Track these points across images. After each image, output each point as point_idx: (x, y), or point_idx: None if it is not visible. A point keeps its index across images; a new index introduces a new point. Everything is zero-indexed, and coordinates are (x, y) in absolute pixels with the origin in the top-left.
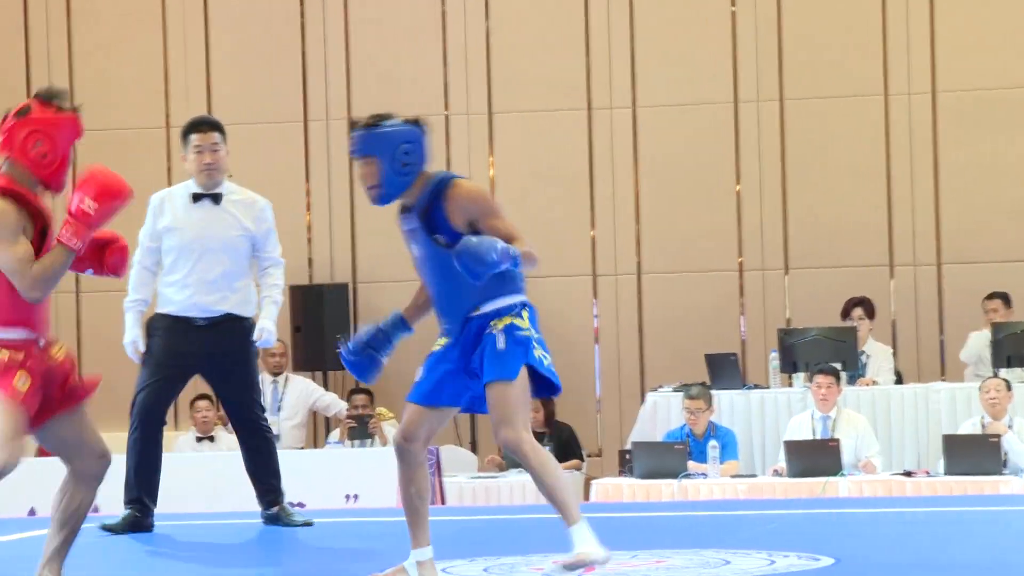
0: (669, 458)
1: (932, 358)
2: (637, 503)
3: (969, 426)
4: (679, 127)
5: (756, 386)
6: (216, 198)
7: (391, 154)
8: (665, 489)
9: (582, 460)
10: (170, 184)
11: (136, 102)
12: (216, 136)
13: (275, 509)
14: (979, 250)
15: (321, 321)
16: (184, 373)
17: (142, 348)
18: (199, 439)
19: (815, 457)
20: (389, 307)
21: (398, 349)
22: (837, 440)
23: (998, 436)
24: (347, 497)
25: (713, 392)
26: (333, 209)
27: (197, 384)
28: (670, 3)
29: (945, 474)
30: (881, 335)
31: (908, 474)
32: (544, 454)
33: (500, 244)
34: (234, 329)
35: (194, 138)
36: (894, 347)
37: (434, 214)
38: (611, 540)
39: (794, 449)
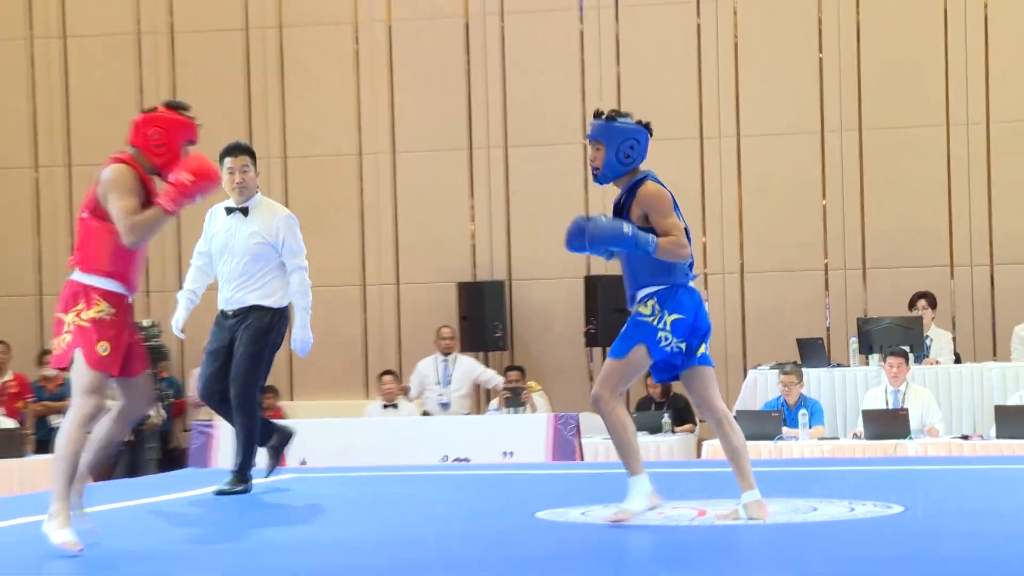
0: (767, 424)
1: (985, 342)
2: None
3: (1017, 398)
4: (775, 152)
5: (839, 365)
6: (245, 211)
7: (617, 145)
8: (763, 449)
9: (695, 424)
10: (362, 199)
11: (336, 135)
12: (246, 159)
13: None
14: None
15: (483, 311)
16: (229, 356)
17: (181, 326)
18: (384, 406)
19: (888, 423)
20: (536, 299)
21: (543, 334)
22: (906, 409)
23: None
24: (504, 454)
25: (803, 369)
26: (492, 219)
27: (384, 359)
28: (768, 50)
29: (997, 438)
30: (943, 323)
31: (965, 438)
32: (615, 416)
33: (628, 229)
34: (251, 315)
35: (227, 161)
36: (954, 333)
37: (625, 204)
38: (718, 491)
39: (870, 417)
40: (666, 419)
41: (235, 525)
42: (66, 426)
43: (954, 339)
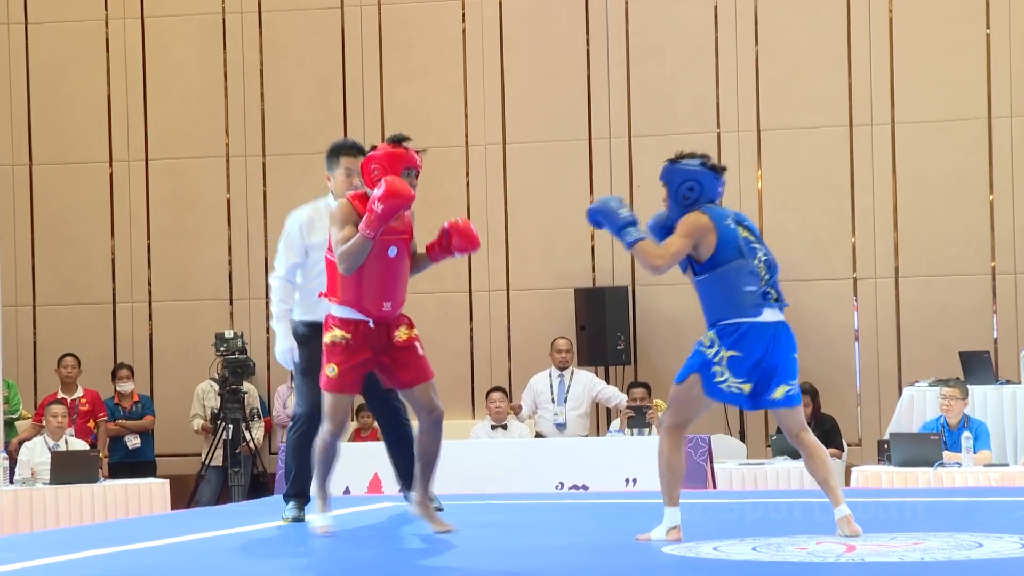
0: (925, 447)
1: None
2: (895, 489)
3: None
4: (935, 142)
5: (1008, 382)
6: None
7: (676, 187)
8: (921, 476)
9: (842, 449)
10: (469, 193)
11: (440, 124)
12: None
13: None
14: None
15: (604, 321)
16: None
17: (297, 357)
18: (493, 427)
19: None
20: (664, 307)
21: (670, 347)
22: None
23: None
24: (627, 481)
25: (968, 386)
26: None
27: (493, 376)
28: (928, 26)
29: None
30: None
31: None
32: (661, 445)
33: (623, 214)
34: None
35: (346, 161)
36: None
37: None
38: (870, 523)
39: None
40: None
41: (335, 557)
42: (316, 442)
43: None
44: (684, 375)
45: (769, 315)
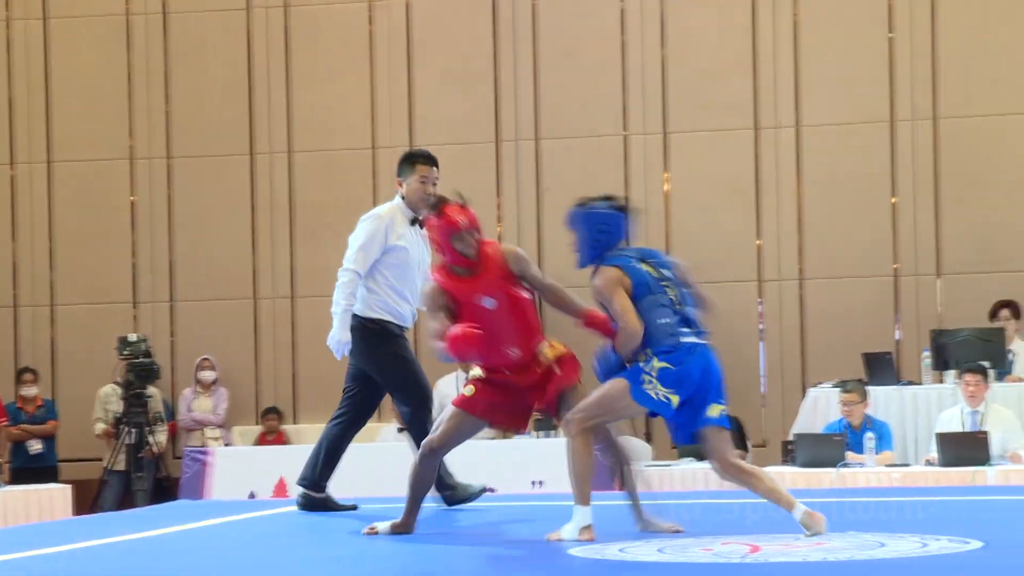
0: (828, 448)
1: None
2: (799, 489)
3: None
4: (839, 145)
5: (910, 382)
6: (420, 223)
7: (585, 231)
8: (824, 477)
9: (746, 451)
10: (375, 196)
11: (347, 126)
12: (437, 172)
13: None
14: None
15: None
16: None
17: (347, 350)
18: (400, 430)
19: (965, 448)
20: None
21: (577, 350)
22: (986, 432)
23: None
24: (533, 483)
25: (869, 388)
26: (521, 219)
27: None
28: (832, 30)
29: None
30: None
31: None
32: (573, 443)
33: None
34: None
35: (421, 169)
36: None
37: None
38: (775, 525)
39: (945, 441)
40: None
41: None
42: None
43: None
44: (610, 377)
45: (692, 340)
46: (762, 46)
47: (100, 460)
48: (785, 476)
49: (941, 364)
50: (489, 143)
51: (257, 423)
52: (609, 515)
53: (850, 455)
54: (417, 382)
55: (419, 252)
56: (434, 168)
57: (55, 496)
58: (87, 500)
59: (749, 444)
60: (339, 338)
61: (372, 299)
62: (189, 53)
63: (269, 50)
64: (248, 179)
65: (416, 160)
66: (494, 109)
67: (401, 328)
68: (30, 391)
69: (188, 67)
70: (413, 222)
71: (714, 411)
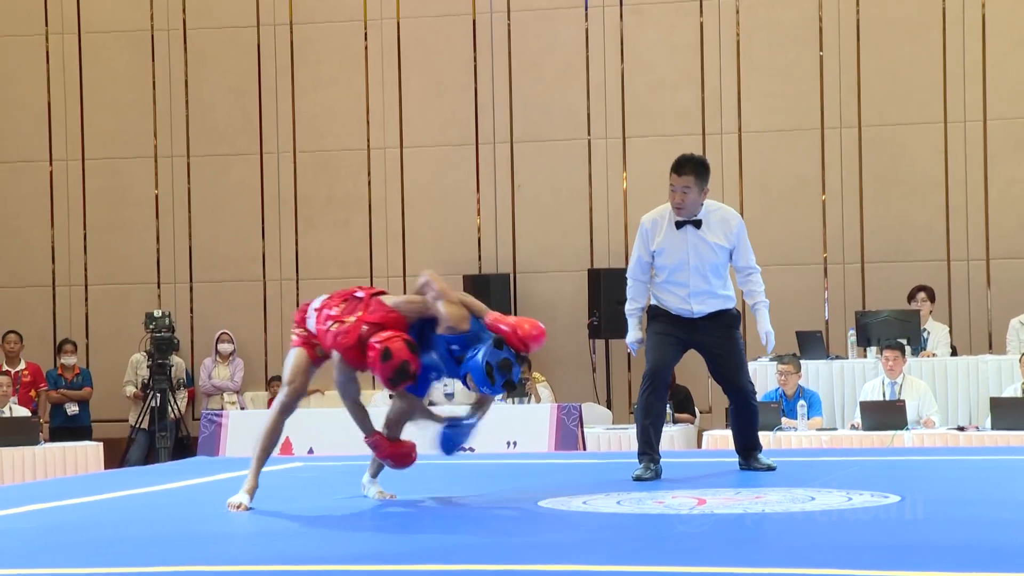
0: (766, 415)
1: (981, 335)
2: None
3: (1011, 390)
4: (776, 149)
5: (837, 357)
6: (697, 224)
7: None
8: (763, 439)
9: (694, 416)
10: (369, 192)
11: (344, 129)
12: (688, 180)
13: (749, 459)
14: (1022, 248)
15: (488, 303)
16: (683, 349)
17: (639, 348)
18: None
19: (885, 415)
20: (543, 293)
21: (547, 326)
22: (903, 401)
23: None
24: (508, 443)
25: (801, 361)
26: (498, 214)
27: None
28: (769, 48)
29: (992, 429)
30: (940, 316)
31: (961, 429)
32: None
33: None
34: (720, 320)
35: (670, 178)
36: (950, 326)
37: None
38: (718, 480)
39: (868, 408)
40: (667, 409)
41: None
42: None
43: (951, 332)
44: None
45: None
46: (708, 61)
47: (127, 421)
48: (728, 439)
49: (864, 341)
50: (469, 145)
51: (265, 389)
52: (575, 472)
53: (785, 420)
54: (662, 356)
55: (684, 253)
56: (685, 177)
57: (88, 452)
58: (116, 456)
59: (697, 410)
60: (628, 338)
61: (656, 294)
62: (205, 65)
63: (276, 62)
64: (257, 175)
65: (671, 170)
66: (474, 115)
67: (673, 315)
68: (70, 360)
69: (204, 77)
70: (679, 226)
71: None
